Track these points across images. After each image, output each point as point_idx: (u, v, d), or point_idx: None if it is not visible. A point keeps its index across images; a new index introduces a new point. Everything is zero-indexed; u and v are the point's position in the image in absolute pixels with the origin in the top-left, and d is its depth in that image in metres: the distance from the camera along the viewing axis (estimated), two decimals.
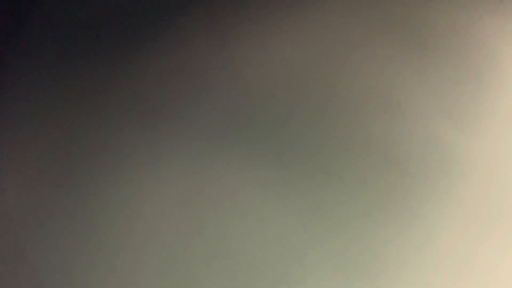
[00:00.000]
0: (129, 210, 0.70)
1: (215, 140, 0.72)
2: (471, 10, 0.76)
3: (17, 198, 0.71)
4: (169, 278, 0.68)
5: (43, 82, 0.75)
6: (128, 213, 0.70)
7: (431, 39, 0.75)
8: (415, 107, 0.72)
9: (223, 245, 0.68)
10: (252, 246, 0.68)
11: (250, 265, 0.68)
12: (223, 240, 0.69)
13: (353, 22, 0.76)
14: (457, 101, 0.72)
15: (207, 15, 0.77)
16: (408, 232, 0.68)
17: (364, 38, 0.75)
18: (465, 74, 0.73)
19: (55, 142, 0.73)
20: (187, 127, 0.73)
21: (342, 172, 0.70)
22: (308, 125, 0.72)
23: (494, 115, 0.72)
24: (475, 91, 0.73)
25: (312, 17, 0.76)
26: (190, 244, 0.69)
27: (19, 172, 0.72)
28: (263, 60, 0.75)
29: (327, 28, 0.76)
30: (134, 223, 0.69)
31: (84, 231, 0.69)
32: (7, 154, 0.72)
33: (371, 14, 0.76)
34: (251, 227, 0.69)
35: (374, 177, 0.70)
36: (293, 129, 0.72)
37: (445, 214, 0.69)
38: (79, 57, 0.76)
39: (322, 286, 0.67)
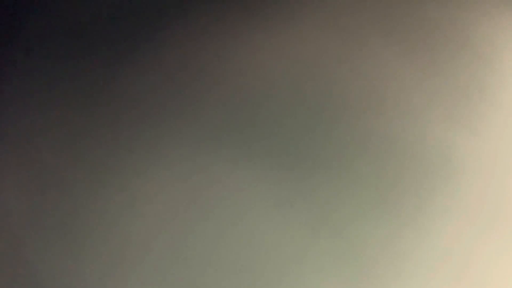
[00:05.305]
0: (130, 210, 0.70)
1: (216, 140, 0.72)
2: (471, 10, 0.76)
3: (17, 198, 0.71)
4: (170, 278, 0.68)
5: (43, 82, 0.75)
6: (128, 213, 0.70)
7: (430, 39, 0.75)
8: (415, 107, 0.72)
9: (223, 245, 0.69)
10: (252, 245, 0.68)
11: (250, 264, 0.68)
12: (224, 240, 0.69)
13: (353, 23, 0.76)
14: (457, 101, 0.72)
15: (207, 15, 0.77)
16: (408, 232, 0.68)
17: (364, 38, 0.75)
18: (465, 74, 0.73)
19: (55, 143, 0.73)
20: (187, 127, 0.73)
21: (341, 172, 0.70)
22: (308, 125, 0.72)
23: (494, 115, 0.72)
24: (475, 92, 0.73)
25: (313, 17, 0.76)
26: (191, 243, 0.69)
27: (19, 172, 0.72)
28: (262, 61, 0.75)
29: (327, 29, 0.76)
30: (134, 223, 0.70)
31: (84, 232, 0.70)
32: (7, 155, 0.72)
33: (370, 15, 0.76)
34: (252, 226, 0.69)
35: (374, 177, 0.70)
36: (293, 129, 0.72)
37: (445, 214, 0.69)
38: (78, 57, 0.76)
39: (322, 285, 0.67)
